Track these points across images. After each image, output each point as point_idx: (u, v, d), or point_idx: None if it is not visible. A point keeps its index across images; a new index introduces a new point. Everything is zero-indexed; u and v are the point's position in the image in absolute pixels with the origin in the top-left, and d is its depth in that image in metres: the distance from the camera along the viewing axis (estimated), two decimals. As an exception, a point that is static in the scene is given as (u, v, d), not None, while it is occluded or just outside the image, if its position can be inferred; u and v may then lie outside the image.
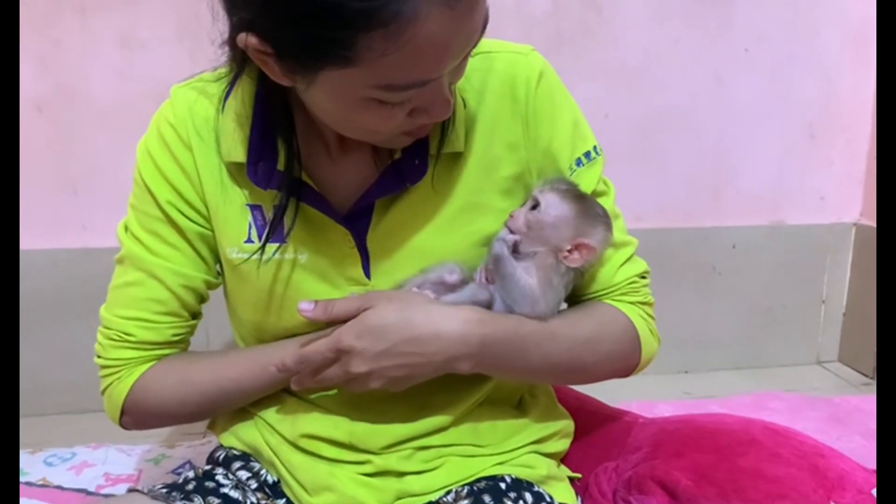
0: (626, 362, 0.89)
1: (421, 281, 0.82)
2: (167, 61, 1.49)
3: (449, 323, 0.78)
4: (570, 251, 0.81)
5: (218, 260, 0.90)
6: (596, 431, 1.02)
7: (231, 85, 0.83)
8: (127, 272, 0.88)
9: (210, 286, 0.91)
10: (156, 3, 1.48)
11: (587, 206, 0.82)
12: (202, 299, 0.92)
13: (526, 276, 0.80)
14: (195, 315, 0.92)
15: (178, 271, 0.87)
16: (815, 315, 1.96)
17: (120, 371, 0.88)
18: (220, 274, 0.92)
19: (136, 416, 0.90)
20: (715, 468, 0.84)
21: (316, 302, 0.80)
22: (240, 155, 0.82)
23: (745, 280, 1.89)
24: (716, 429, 0.91)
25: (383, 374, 0.78)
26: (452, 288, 0.82)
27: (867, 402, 1.57)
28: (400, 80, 0.66)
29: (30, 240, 1.55)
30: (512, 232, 0.82)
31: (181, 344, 0.92)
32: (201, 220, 0.87)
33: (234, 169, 0.84)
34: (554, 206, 0.81)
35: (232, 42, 0.76)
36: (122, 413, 0.89)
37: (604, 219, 0.84)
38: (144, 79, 1.51)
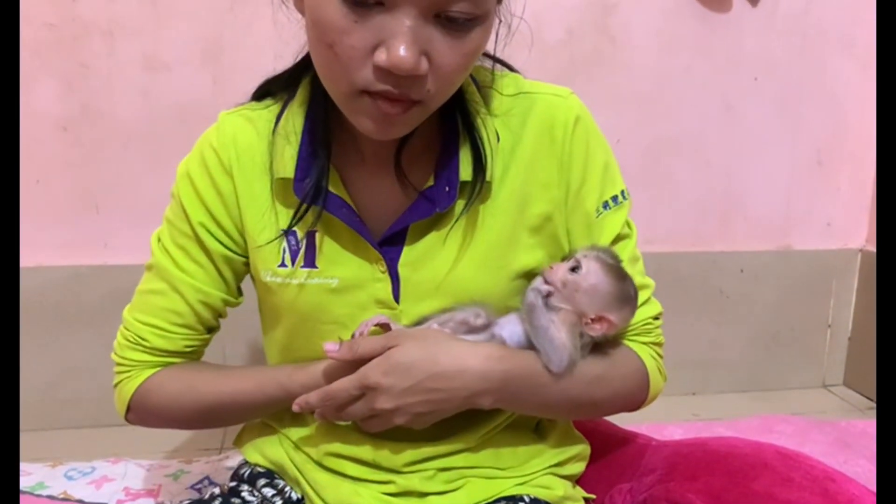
0: (634, 399, 0.92)
1: (446, 319, 0.84)
2: (190, 84, 1.52)
3: (472, 359, 0.80)
4: (592, 320, 0.82)
5: (240, 283, 0.94)
6: (610, 453, 1.04)
7: (283, 110, 0.87)
8: (152, 280, 0.92)
9: (228, 305, 0.94)
10: (180, 28, 1.51)
11: (623, 287, 0.84)
12: (219, 315, 0.95)
13: (556, 330, 0.82)
14: (211, 329, 0.95)
15: (198, 288, 0.90)
16: (821, 339, 1.97)
17: (130, 371, 0.92)
18: (242, 294, 0.95)
19: (140, 414, 0.94)
20: (728, 491, 0.85)
21: (341, 342, 0.82)
22: (288, 171, 0.84)
23: (752, 304, 1.91)
24: (728, 452, 0.92)
25: (408, 410, 0.80)
26: (473, 330, 0.84)
27: (872, 426, 1.58)
28: None
29: (52, 256, 1.58)
30: (546, 283, 0.83)
31: (193, 355, 0.95)
32: (231, 244, 0.90)
33: (280, 187, 0.86)
34: (593, 275, 0.82)
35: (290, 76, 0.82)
36: (128, 409, 0.94)
37: (633, 301, 0.86)
38: (168, 101, 1.54)
